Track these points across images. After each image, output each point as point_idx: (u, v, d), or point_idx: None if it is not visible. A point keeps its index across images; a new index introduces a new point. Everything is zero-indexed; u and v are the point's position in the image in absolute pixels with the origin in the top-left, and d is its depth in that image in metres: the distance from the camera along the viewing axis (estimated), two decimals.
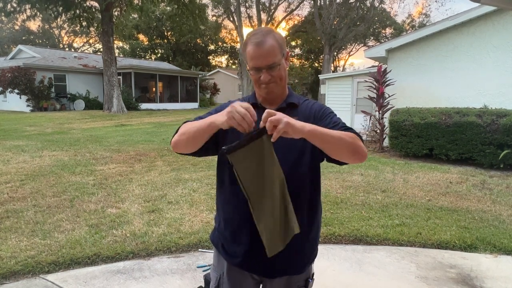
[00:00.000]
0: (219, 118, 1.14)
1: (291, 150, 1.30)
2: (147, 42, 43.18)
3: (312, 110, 1.38)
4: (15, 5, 17.35)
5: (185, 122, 1.35)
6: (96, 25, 20.51)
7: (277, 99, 1.39)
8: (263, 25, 28.28)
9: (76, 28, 40.46)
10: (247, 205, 1.20)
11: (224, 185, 1.39)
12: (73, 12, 18.36)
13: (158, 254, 3.26)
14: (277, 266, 1.35)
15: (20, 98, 20.13)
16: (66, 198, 4.68)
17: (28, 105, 20.23)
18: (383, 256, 3.33)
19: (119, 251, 3.23)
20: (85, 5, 18.74)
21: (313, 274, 1.50)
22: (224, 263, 1.42)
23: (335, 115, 1.38)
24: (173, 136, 1.33)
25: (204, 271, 2.93)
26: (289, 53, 1.41)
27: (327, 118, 1.34)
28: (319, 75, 18.95)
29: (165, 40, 42.92)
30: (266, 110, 1.08)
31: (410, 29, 38.91)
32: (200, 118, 1.34)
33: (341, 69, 45.87)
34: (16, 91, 19.67)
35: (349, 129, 1.27)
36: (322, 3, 27.17)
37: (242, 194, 1.18)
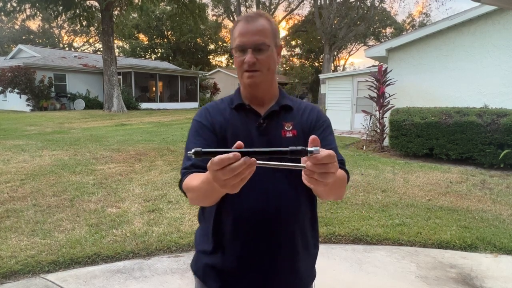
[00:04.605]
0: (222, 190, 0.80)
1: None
2: (147, 42, 43.14)
3: (309, 119, 1.17)
4: (15, 4, 17.33)
5: (184, 171, 1.09)
6: (96, 24, 20.52)
7: (266, 98, 1.16)
8: None
9: (76, 28, 40.36)
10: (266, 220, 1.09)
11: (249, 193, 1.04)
12: (73, 11, 18.36)
13: (158, 253, 3.26)
14: None
15: (20, 97, 20.12)
16: (66, 197, 4.68)
17: (28, 105, 20.22)
18: (383, 255, 3.33)
19: (119, 250, 3.23)
20: (85, 4, 18.74)
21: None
22: None
23: (332, 132, 1.20)
24: (180, 182, 1.10)
25: None
26: (282, 48, 1.22)
27: (323, 132, 1.15)
28: (319, 75, 18.95)
29: (165, 40, 42.88)
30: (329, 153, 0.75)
31: (411, 28, 38.92)
32: (188, 149, 1.08)
33: (341, 68, 45.89)
34: (16, 90, 19.66)
35: (343, 164, 1.11)
36: (322, 3, 27.15)
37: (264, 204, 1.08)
